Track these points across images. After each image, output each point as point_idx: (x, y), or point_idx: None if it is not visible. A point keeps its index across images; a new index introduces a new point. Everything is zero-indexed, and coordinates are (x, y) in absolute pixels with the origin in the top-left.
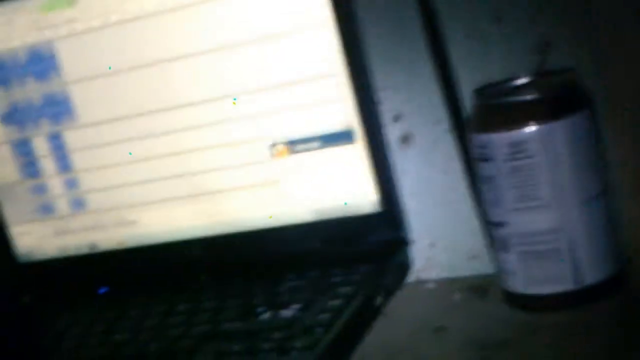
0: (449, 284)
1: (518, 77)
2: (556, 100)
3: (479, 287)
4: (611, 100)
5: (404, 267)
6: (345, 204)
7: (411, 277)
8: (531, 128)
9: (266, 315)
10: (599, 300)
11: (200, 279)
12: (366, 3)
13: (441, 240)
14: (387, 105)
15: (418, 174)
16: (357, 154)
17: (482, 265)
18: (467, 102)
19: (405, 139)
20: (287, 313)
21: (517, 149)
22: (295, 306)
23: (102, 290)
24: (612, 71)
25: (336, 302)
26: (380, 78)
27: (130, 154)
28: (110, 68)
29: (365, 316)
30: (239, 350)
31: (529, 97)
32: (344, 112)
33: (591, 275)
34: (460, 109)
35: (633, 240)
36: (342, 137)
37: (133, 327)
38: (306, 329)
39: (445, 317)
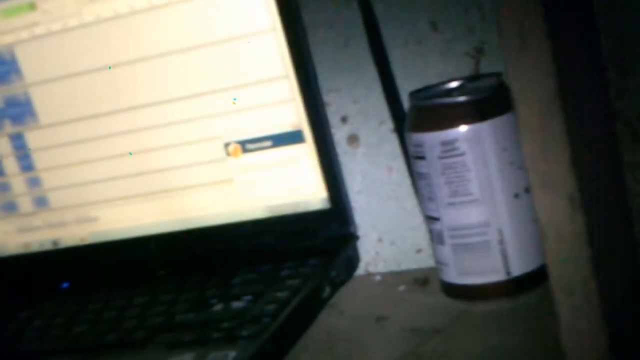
0: (395, 277)
1: (450, 81)
2: (484, 103)
3: (421, 279)
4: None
5: (352, 261)
6: (297, 200)
7: (360, 270)
8: (461, 128)
9: (218, 307)
10: (526, 291)
11: (158, 274)
12: (313, 10)
13: (388, 235)
14: (335, 107)
15: (365, 172)
16: (307, 153)
17: (426, 258)
18: (407, 104)
19: (352, 139)
20: (237, 304)
21: (448, 147)
22: (246, 298)
23: (64, 285)
24: None
25: (284, 294)
26: (328, 81)
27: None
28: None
29: (310, 307)
30: (190, 340)
31: (459, 99)
32: (294, 113)
33: (519, 266)
34: (401, 110)
35: None
36: (292, 137)
37: (91, 320)
38: (253, 318)
39: (387, 307)
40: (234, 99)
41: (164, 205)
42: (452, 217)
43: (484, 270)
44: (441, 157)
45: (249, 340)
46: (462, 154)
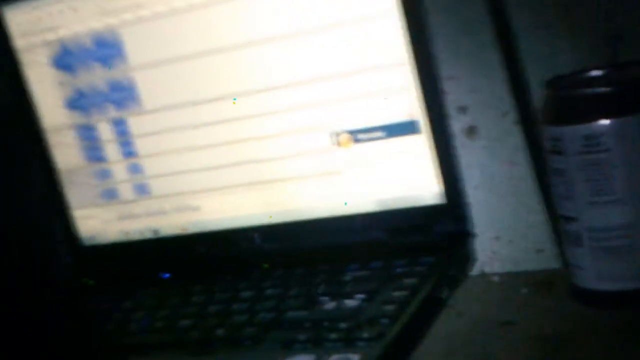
0: (514, 278)
1: (592, 69)
2: (632, 94)
3: (544, 282)
4: None
5: (468, 259)
6: (410, 195)
7: (475, 270)
8: (606, 121)
9: (330, 305)
10: None
11: (262, 267)
12: None
13: (506, 233)
14: (453, 96)
15: (483, 166)
16: (422, 144)
17: (547, 260)
18: (534, 93)
19: (471, 131)
20: (351, 303)
21: (591, 142)
22: (360, 296)
23: (165, 276)
24: None
25: (401, 293)
26: (446, 68)
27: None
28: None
29: (430, 308)
30: (305, 339)
31: (603, 89)
32: (409, 102)
33: None
34: (527, 100)
35: None
36: (406, 128)
37: (197, 314)
38: (371, 319)
39: (511, 311)
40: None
41: (268, 196)
42: (593, 217)
43: (626, 276)
44: (582, 153)
45: (370, 343)
46: (606, 150)
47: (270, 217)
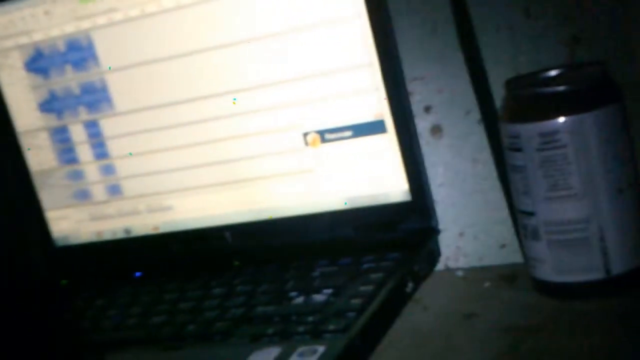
0: (478, 272)
1: (549, 69)
2: (587, 92)
3: (507, 275)
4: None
5: (434, 255)
6: (377, 192)
7: (440, 265)
8: (562, 119)
9: (299, 300)
10: (627, 290)
11: (233, 264)
12: None
13: (470, 229)
14: (418, 96)
15: (448, 164)
16: (389, 143)
17: (511, 254)
18: (496, 93)
19: (436, 130)
20: (319, 297)
21: (548, 139)
22: (328, 291)
23: (137, 274)
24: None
25: (367, 288)
26: (412, 69)
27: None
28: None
29: (395, 302)
30: (274, 333)
31: (560, 88)
32: (376, 102)
33: (620, 265)
34: (490, 99)
35: None
36: (373, 127)
37: (169, 310)
38: (338, 313)
39: (474, 304)
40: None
41: (239, 195)
42: (550, 212)
43: (583, 268)
44: (540, 149)
45: (336, 335)
46: (563, 146)
47: (242, 215)
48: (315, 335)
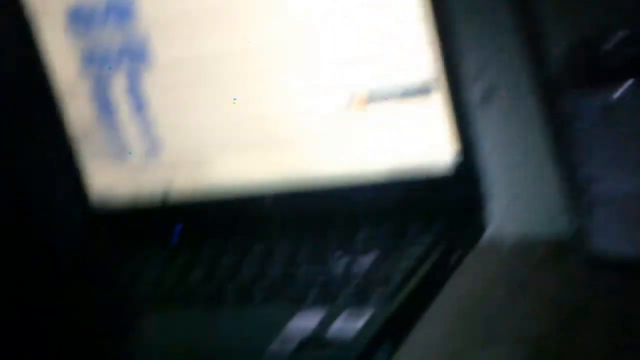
0: (526, 244)
1: (614, 33)
2: None
3: (557, 248)
4: None
5: (481, 225)
6: (423, 159)
7: (487, 236)
8: (626, 85)
9: (342, 263)
10: None
11: (273, 229)
12: None
13: (519, 200)
14: (470, 59)
15: (498, 132)
16: (438, 108)
17: (561, 226)
18: (556, 57)
19: (487, 96)
20: (363, 262)
21: (611, 106)
22: (372, 256)
23: (175, 235)
24: None
25: (413, 255)
26: (464, 32)
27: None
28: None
29: (441, 271)
30: (316, 295)
31: (625, 53)
32: (426, 63)
33: None
34: (548, 64)
35: None
36: (422, 91)
37: (208, 270)
38: (383, 278)
39: (522, 276)
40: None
41: (281, 157)
42: (611, 182)
43: None
44: (602, 117)
45: (383, 301)
46: (626, 114)
47: (283, 179)
48: (360, 299)
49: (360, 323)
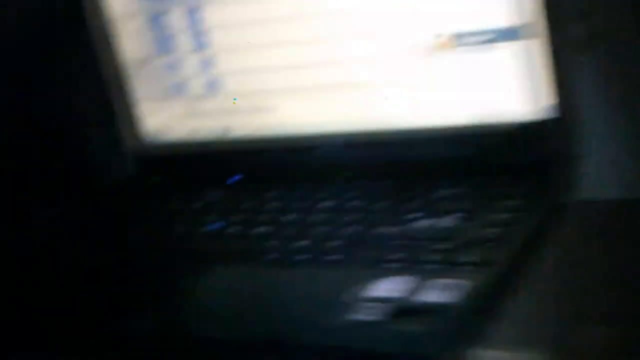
0: (623, 205)
1: None
2: None
3: None
4: None
5: (574, 183)
6: (512, 110)
7: (581, 194)
8: None
9: (423, 223)
10: None
11: (341, 177)
12: None
13: (617, 156)
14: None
15: (597, 81)
16: (532, 54)
17: None
18: None
19: (588, 39)
20: (446, 222)
21: None
22: (456, 216)
23: (235, 178)
24: None
25: (503, 216)
26: None
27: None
28: None
29: (532, 235)
30: (399, 259)
31: None
32: (519, 4)
33: None
34: None
35: None
36: (515, 33)
37: (273, 222)
38: (473, 242)
39: (617, 237)
40: None
41: (352, 101)
42: None
43: None
44: None
45: (476, 269)
46: None
47: (353, 124)
48: (449, 266)
49: (451, 291)
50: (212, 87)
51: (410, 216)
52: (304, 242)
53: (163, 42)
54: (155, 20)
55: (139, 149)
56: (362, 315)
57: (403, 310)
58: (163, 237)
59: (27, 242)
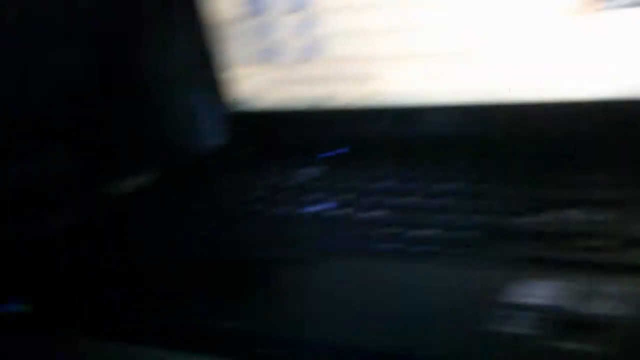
0: None
1: None
2: None
3: None
4: None
5: None
6: None
7: None
8: None
9: (571, 214)
10: None
11: (463, 155)
12: None
13: None
14: None
15: None
16: None
17: None
18: None
19: None
20: (600, 215)
21: None
22: (609, 208)
23: (338, 151)
24: None
25: None
26: None
27: None
28: None
29: None
30: (545, 258)
31: None
32: None
33: None
34: None
35: None
36: None
37: (385, 204)
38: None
39: None
40: None
41: (472, 70)
42: None
43: None
44: None
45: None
46: None
47: (474, 94)
48: (613, 269)
49: (621, 302)
50: (310, 52)
51: (559, 205)
52: (426, 231)
53: (259, 2)
54: None
55: (231, 116)
56: (508, 326)
57: (561, 322)
58: (258, 217)
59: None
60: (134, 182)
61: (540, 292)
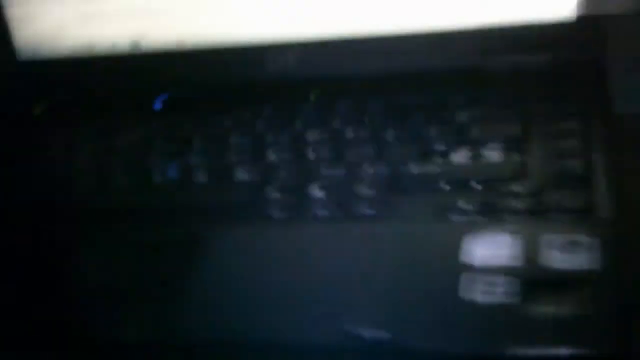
0: None
1: None
2: None
3: None
4: None
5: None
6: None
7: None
8: None
9: (462, 156)
10: None
11: (303, 97)
12: None
13: None
14: None
15: None
16: None
17: None
18: None
19: None
20: (493, 155)
21: None
22: (501, 145)
23: (155, 106)
24: None
25: (572, 144)
26: None
27: None
28: None
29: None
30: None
31: None
32: None
33: None
34: None
35: None
36: None
37: (254, 161)
38: (555, 181)
39: None
40: None
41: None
42: None
43: None
44: None
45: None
46: None
47: (313, 31)
48: (544, 214)
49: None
50: None
51: (441, 147)
52: (317, 192)
53: None
54: None
55: (15, 68)
56: (478, 294)
57: (532, 283)
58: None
59: None
60: None
61: (487, 250)
